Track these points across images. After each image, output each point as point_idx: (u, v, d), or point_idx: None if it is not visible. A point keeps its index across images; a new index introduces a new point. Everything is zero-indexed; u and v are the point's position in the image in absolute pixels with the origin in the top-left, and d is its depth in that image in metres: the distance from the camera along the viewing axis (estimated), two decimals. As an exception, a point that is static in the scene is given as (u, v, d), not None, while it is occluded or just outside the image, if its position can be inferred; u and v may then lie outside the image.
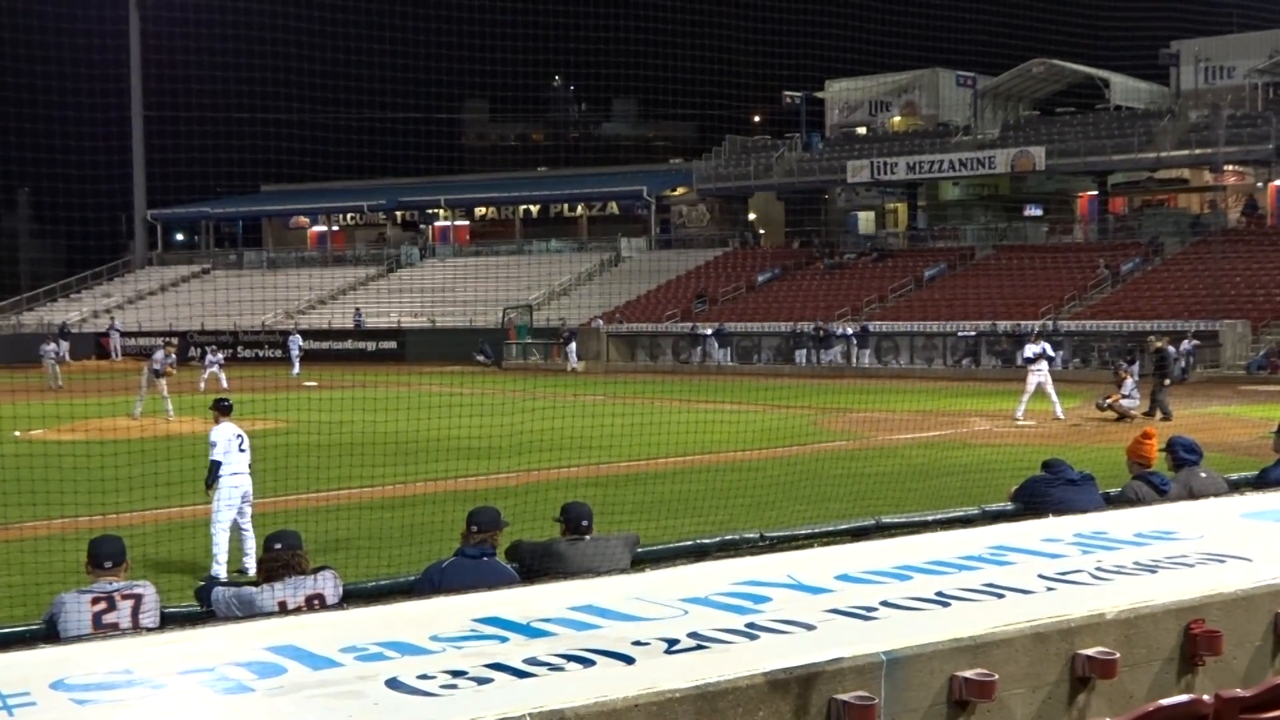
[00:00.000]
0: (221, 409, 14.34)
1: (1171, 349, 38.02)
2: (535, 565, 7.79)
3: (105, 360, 50.97)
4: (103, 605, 7.03)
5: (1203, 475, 9.71)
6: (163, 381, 30.91)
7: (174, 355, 34.56)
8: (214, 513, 13.41)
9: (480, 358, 52.71)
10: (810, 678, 4.28)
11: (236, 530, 13.57)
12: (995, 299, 49.15)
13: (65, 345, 48.55)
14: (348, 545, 13.57)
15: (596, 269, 63.41)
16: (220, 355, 41.85)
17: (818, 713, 4.27)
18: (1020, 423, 26.72)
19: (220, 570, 13.02)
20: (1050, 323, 43.20)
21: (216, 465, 13.47)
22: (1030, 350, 28.84)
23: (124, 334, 58.56)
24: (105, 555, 7.45)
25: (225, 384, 38.02)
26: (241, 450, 13.63)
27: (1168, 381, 28.84)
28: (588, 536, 8.06)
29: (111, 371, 40.71)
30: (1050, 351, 30.52)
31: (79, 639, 6.35)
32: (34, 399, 23.60)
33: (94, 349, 56.85)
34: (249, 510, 13.66)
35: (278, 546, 7.32)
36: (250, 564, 13.23)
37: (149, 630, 6.72)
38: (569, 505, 8.33)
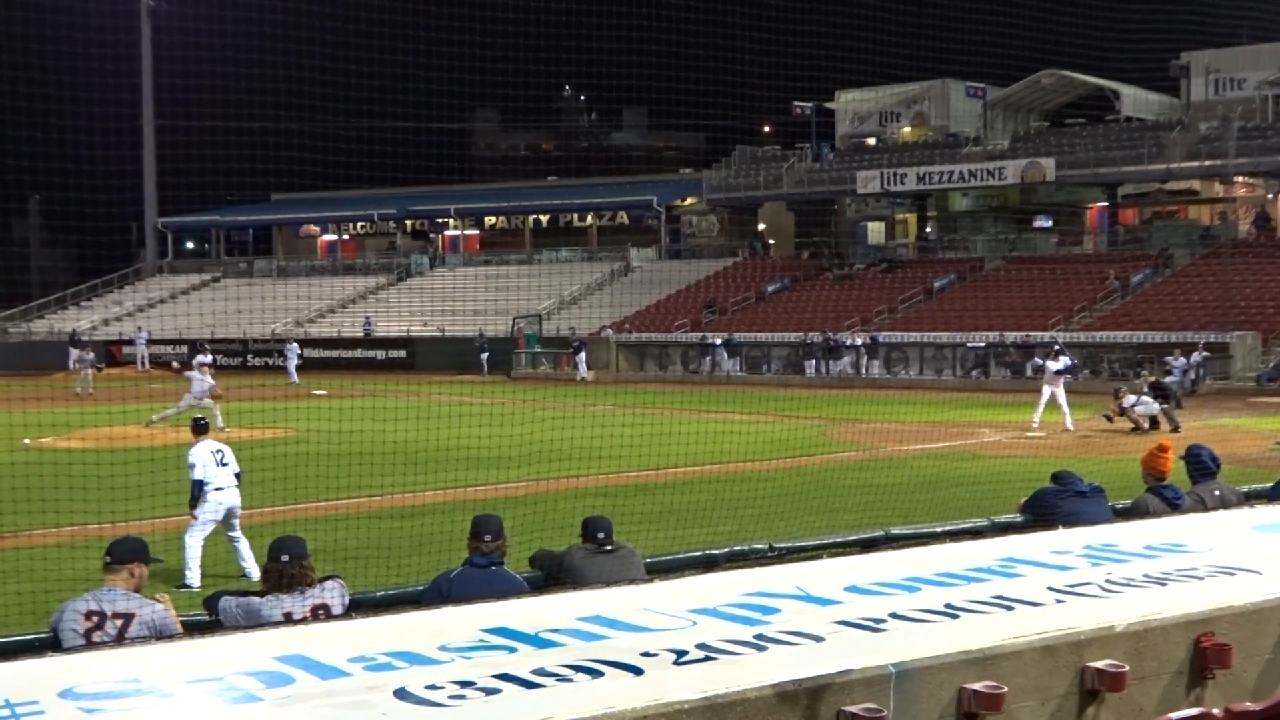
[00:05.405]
0: (198, 428, 14.44)
1: (1182, 359, 37.98)
2: (555, 575, 7.81)
3: (115, 369, 50.97)
4: (93, 623, 7.04)
5: (1217, 494, 9.55)
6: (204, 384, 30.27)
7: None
8: (191, 525, 13.44)
9: (485, 365, 52.45)
10: (819, 689, 4.27)
11: (229, 542, 13.61)
12: (1005, 310, 49.10)
13: (76, 353, 48.64)
14: (356, 554, 13.55)
15: (606, 279, 63.43)
16: (209, 358, 41.29)
17: (826, 724, 4.26)
18: (1031, 433, 26.69)
19: (194, 579, 13.10)
20: (1053, 336, 43.00)
21: (199, 485, 13.51)
22: (1053, 366, 28.90)
23: (150, 342, 58.44)
24: (107, 551, 7.51)
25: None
26: (223, 464, 13.62)
27: (1172, 402, 28.86)
28: (607, 547, 8.05)
29: (122, 379, 40.77)
30: (1073, 363, 30.58)
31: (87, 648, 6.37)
32: (44, 406, 23.62)
33: (105, 357, 56.89)
34: (237, 522, 13.69)
35: (284, 559, 7.29)
36: (251, 568, 13.27)
37: (158, 639, 6.72)
38: (588, 519, 8.34)
